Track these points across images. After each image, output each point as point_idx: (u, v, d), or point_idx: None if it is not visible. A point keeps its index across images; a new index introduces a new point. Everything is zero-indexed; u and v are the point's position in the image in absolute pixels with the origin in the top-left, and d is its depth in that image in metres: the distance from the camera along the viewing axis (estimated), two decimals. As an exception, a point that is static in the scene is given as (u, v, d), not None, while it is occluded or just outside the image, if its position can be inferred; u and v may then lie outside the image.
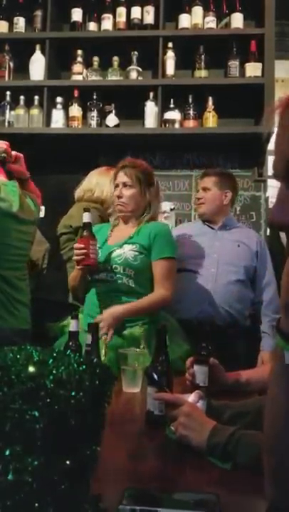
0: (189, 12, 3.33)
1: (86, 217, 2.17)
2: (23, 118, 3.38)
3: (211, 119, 3.27)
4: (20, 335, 2.21)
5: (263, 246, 2.75)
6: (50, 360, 0.68)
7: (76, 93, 3.37)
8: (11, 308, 2.24)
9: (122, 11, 3.38)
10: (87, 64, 3.42)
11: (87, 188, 2.70)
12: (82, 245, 2.14)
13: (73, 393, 0.64)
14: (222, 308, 2.54)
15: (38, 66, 3.36)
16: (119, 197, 2.31)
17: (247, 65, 3.23)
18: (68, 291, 2.56)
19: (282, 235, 2.74)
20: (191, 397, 1.28)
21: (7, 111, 3.39)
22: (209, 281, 2.58)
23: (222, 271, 2.60)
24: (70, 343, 1.69)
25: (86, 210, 2.20)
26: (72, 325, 1.72)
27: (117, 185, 2.34)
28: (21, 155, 2.40)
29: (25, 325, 2.31)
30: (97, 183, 2.69)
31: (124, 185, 2.30)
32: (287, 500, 0.73)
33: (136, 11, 3.37)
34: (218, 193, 2.75)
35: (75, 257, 2.16)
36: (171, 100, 3.27)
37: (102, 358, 1.85)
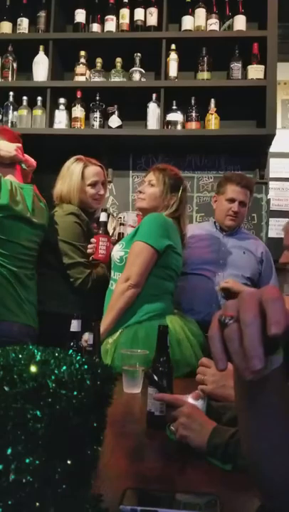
0: (192, 14, 3.34)
1: (102, 217, 2.50)
2: (26, 119, 3.39)
3: (213, 121, 3.28)
4: (29, 334, 2.24)
5: (268, 254, 2.78)
6: (52, 360, 0.69)
7: (79, 94, 3.38)
8: (22, 305, 2.27)
9: (125, 12, 3.38)
10: (91, 65, 3.43)
11: (56, 184, 2.68)
12: (94, 240, 2.48)
13: (75, 393, 0.64)
14: None
15: (41, 67, 3.37)
16: (140, 192, 2.40)
17: (249, 67, 3.23)
18: (64, 301, 2.49)
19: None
20: (190, 397, 1.29)
21: (10, 111, 3.39)
22: (216, 285, 2.60)
23: (228, 275, 2.62)
24: (71, 343, 1.69)
25: (103, 210, 2.52)
26: (73, 325, 1.72)
27: (143, 183, 2.44)
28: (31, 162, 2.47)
29: (34, 323, 2.33)
30: (60, 177, 2.67)
31: (149, 182, 2.38)
32: (269, 502, 0.74)
33: (139, 13, 3.37)
34: (246, 208, 2.79)
35: (88, 251, 2.49)
36: (174, 102, 3.28)
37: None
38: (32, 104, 3.39)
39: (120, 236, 2.78)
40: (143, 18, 3.38)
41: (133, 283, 2.16)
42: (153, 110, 3.27)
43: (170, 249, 2.23)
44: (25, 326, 2.26)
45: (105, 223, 2.49)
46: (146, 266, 2.18)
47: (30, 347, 0.73)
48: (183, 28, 3.35)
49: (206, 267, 2.65)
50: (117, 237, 2.78)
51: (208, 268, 2.64)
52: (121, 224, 2.84)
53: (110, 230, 2.87)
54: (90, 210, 2.65)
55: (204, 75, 3.32)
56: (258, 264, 2.70)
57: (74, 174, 2.60)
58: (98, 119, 3.37)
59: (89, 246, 2.48)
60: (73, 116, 3.38)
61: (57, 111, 3.37)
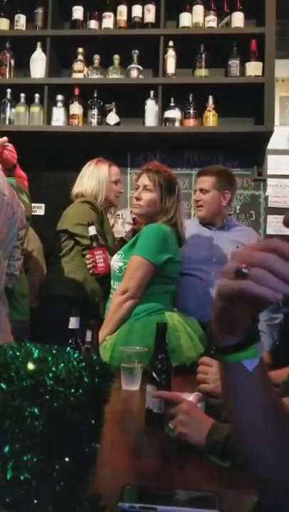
0: (190, 11, 3.33)
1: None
2: (23, 116, 3.38)
3: (211, 118, 3.27)
4: (22, 330, 2.25)
5: None
6: (50, 358, 0.68)
7: (77, 91, 3.37)
8: (14, 301, 2.27)
9: (123, 9, 3.38)
10: (88, 62, 3.42)
11: (76, 184, 2.74)
12: (90, 256, 2.42)
13: (72, 390, 0.64)
14: None
15: (38, 64, 3.36)
16: (137, 199, 2.35)
17: (247, 64, 3.23)
18: (69, 289, 2.56)
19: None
20: (190, 398, 1.28)
21: (8, 109, 3.38)
22: (210, 286, 2.54)
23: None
24: (70, 341, 1.69)
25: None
26: (71, 322, 1.72)
27: (137, 187, 2.38)
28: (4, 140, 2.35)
29: (25, 317, 2.35)
30: (81, 177, 2.72)
31: (145, 187, 2.33)
32: (267, 499, 0.74)
33: (137, 10, 3.36)
34: (216, 194, 2.67)
35: (88, 266, 2.44)
36: (172, 99, 3.27)
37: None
38: (30, 102, 3.38)
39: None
40: (141, 15, 3.37)
41: (131, 295, 2.18)
42: (151, 107, 3.27)
43: (169, 260, 2.24)
44: (19, 323, 2.27)
45: (96, 236, 2.47)
46: (144, 280, 2.19)
47: (28, 344, 0.72)
48: (181, 25, 3.34)
49: (198, 266, 2.60)
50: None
51: (201, 268, 2.59)
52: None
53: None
54: (110, 208, 2.76)
55: (202, 72, 3.31)
56: None
57: (102, 173, 2.69)
58: (96, 116, 3.37)
59: (87, 262, 2.47)
60: (71, 113, 3.37)
61: (55, 108, 3.36)
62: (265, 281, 0.58)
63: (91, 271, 2.44)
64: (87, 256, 2.46)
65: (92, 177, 2.68)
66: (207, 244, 2.66)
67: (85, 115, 3.41)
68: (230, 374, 0.70)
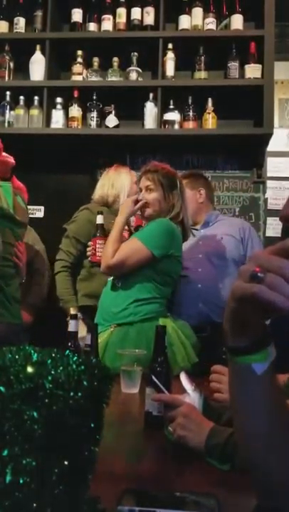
0: (189, 13, 3.34)
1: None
2: (22, 118, 3.38)
3: (210, 121, 3.28)
4: (14, 332, 2.27)
5: (249, 232, 2.75)
6: (49, 361, 0.68)
7: (76, 94, 3.37)
8: (7, 304, 2.28)
9: (122, 11, 3.38)
10: (87, 64, 3.42)
11: (102, 189, 2.75)
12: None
13: (72, 394, 0.64)
14: (216, 305, 2.53)
15: (38, 66, 3.36)
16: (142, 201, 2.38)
17: (247, 66, 3.23)
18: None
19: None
20: (187, 386, 1.29)
21: (7, 111, 3.39)
22: (198, 282, 2.59)
23: (209, 269, 2.62)
24: (69, 344, 1.69)
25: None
26: (70, 325, 1.72)
27: (140, 190, 2.40)
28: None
29: (18, 320, 2.37)
30: (102, 184, 2.74)
31: (147, 188, 2.35)
32: (266, 502, 0.74)
33: (136, 12, 3.37)
34: (191, 193, 2.74)
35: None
36: (171, 101, 3.28)
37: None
38: (29, 104, 3.39)
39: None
40: (140, 18, 3.37)
41: (107, 268, 2.21)
42: (150, 110, 3.27)
43: (172, 256, 2.25)
44: (11, 325, 2.28)
45: (102, 225, 2.50)
46: (135, 265, 2.20)
47: (27, 348, 0.72)
48: (180, 28, 3.35)
49: (185, 264, 2.57)
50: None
51: (188, 266, 2.60)
52: None
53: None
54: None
55: (201, 75, 3.32)
56: (239, 246, 2.67)
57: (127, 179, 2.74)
58: (95, 119, 3.37)
59: (88, 249, 2.50)
60: (70, 115, 3.37)
61: (54, 110, 3.36)
62: (278, 287, 0.58)
63: (89, 258, 2.48)
64: (90, 243, 2.51)
65: (113, 184, 2.72)
66: (193, 243, 2.70)
67: (84, 117, 3.42)
68: (238, 374, 0.70)
